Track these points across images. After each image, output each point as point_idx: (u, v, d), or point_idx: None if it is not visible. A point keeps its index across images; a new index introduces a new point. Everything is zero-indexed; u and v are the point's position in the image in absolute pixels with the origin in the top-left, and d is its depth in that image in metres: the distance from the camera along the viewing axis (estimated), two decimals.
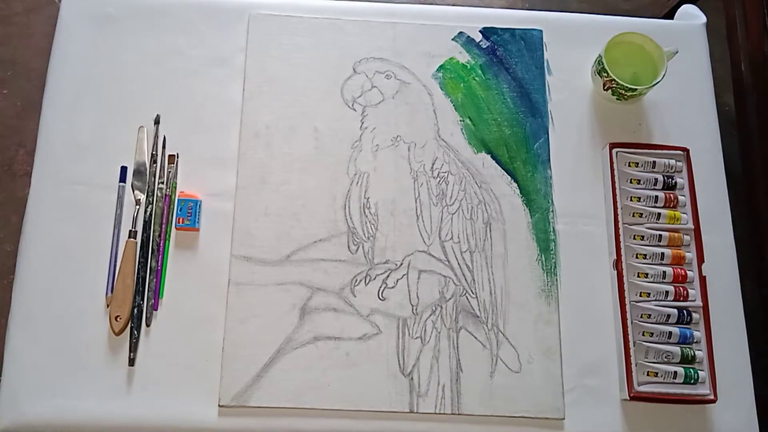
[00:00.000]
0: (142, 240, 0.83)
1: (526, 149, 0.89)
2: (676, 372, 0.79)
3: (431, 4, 1.51)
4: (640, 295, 0.83)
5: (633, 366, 0.79)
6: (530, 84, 0.92)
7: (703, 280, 0.84)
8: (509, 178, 0.88)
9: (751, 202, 1.08)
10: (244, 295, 0.81)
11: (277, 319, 0.81)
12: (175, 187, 0.86)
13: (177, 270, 0.83)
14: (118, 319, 0.79)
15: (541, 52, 0.94)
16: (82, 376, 0.78)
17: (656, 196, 0.86)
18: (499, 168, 0.88)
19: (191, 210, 0.83)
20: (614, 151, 0.87)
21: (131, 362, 0.79)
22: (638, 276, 0.83)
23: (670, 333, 0.81)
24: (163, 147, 0.87)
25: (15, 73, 1.47)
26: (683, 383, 0.79)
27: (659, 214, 0.85)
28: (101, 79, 0.89)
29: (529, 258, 0.85)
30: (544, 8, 1.22)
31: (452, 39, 0.93)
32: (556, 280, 0.84)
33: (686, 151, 0.88)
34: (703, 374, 0.80)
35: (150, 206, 0.84)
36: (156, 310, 0.81)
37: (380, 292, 0.82)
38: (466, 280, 0.83)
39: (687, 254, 0.84)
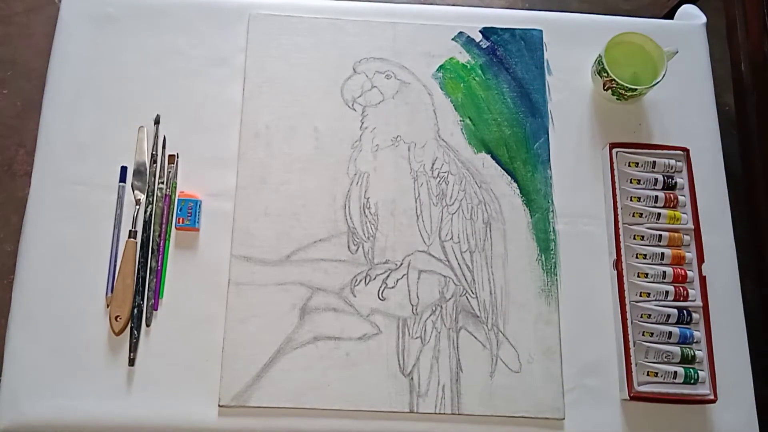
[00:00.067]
0: (142, 240, 0.83)
1: (526, 149, 0.89)
2: (676, 372, 0.79)
3: (431, 4, 1.51)
4: (640, 295, 0.83)
5: (633, 366, 0.79)
6: (530, 84, 0.92)
7: (703, 280, 0.84)
8: (509, 178, 0.88)
9: (751, 202, 1.09)
10: (244, 295, 0.81)
11: (277, 319, 0.81)
12: (175, 187, 0.86)
13: (177, 270, 0.83)
14: (118, 319, 0.79)
15: (541, 52, 0.94)
16: (82, 376, 0.78)
17: (656, 196, 0.86)
18: (499, 168, 0.88)
19: (191, 210, 0.83)
20: (614, 151, 0.87)
21: (131, 362, 0.79)
22: (638, 276, 0.83)
23: (670, 333, 0.81)
24: (163, 147, 0.87)
25: (15, 73, 1.47)
26: (683, 383, 0.79)
27: (659, 214, 0.85)
28: (101, 79, 0.89)
29: (529, 258, 0.85)
30: (544, 8, 1.22)
31: (452, 39, 0.93)
32: (556, 280, 0.84)
33: (686, 151, 0.88)
34: (703, 374, 0.80)
35: (150, 206, 0.84)
36: (156, 310, 0.81)
37: (380, 292, 0.82)
38: (466, 280, 0.84)
39: (687, 254, 0.84)
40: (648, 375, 0.80)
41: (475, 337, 0.82)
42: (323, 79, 0.90)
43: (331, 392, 0.79)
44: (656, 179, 0.87)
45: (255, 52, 0.91)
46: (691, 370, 0.80)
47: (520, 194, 0.87)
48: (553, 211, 0.87)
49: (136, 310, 0.80)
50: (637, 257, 0.84)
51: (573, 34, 0.95)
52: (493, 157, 0.89)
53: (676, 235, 0.85)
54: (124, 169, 0.86)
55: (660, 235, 0.84)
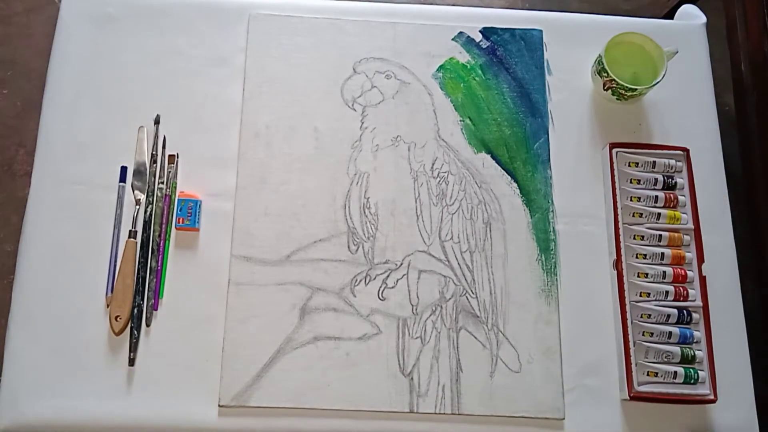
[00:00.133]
0: (142, 240, 0.83)
1: (526, 149, 0.89)
2: (676, 372, 0.79)
3: (431, 4, 1.51)
4: (640, 295, 0.83)
5: (633, 366, 0.79)
6: (530, 84, 0.92)
7: (703, 280, 0.84)
8: (509, 178, 0.88)
9: (751, 202, 1.08)
10: (244, 295, 0.81)
11: (277, 319, 0.81)
12: (175, 187, 0.86)
13: (177, 270, 0.83)
14: (118, 319, 0.79)
15: (541, 52, 0.94)
16: (82, 376, 0.78)
17: (656, 196, 0.86)
18: (499, 168, 0.88)
19: (191, 210, 0.83)
20: (614, 151, 0.87)
21: (131, 362, 0.79)
22: (638, 276, 0.83)
23: (670, 333, 0.81)
24: (163, 147, 0.87)
25: (15, 73, 1.47)
26: (683, 383, 0.79)
27: (659, 214, 0.85)
28: (101, 79, 0.89)
29: (529, 258, 0.85)
30: (544, 8, 1.22)
31: (452, 39, 0.93)
32: (556, 280, 0.84)
33: (686, 151, 0.88)
34: (703, 374, 0.80)
35: (150, 206, 0.84)
36: (156, 310, 0.81)
37: (380, 292, 0.82)
38: (466, 280, 0.84)
39: (687, 254, 0.84)
40: (648, 375, 0.80)
41: (475, 337, 0.82)
42: (323, 79, 0.90)
43: (331, 392, 0.79)
44: (656, 179, 0.87)
45: (255, 52, 0.91)
46: (691, 370, 0.80)
47: (520, 194, 0.87)
48: (553, 211, 0.87)
49: (136, 310, 0.80)
50: (637, 257, 0.84)
51: (573, 34, 0.95)
52: (493, 157, 0.89)
53: (676, 235, 0.85)
54: (124, 169, 0.86)
55: (660, 235, 0.84)
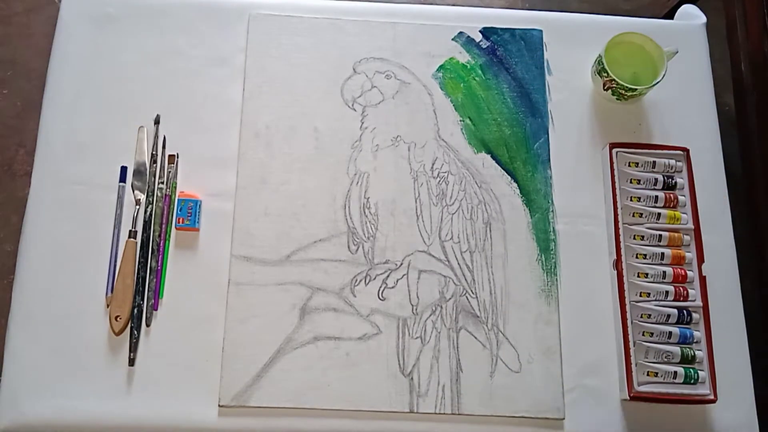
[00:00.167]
0: (142, 240, 0.83)
1: (526, 149, 0.89)
2: (676, 372, 0.79)
3: (431, 4, 1.51)
4: (640, 295, 0.83)
5: (633, 366, 0.79)
6: (530, 84, 0.92)
7: (703, 280, 0.84)
8: (509, 178, 0.88)
9: (751, 202, 1.08)
10: (244, 295, 0.81)
11: (277, 319, 0.81)
12: (175, 187, 0.86)
13: (177, 270, 0.83)
14: (118, 319, 0.79)
15: (541, 52, 0.94)
16: (82, 376, 0.78)
17: (656, 196, 0.86)
18: (499, 168, 0.88)
19: (191, 210, 0.83)
20: (614, 151, 0.87)
21: (131, 362, 0.79)
22: (638, 276, 0.83)
23: (670, 333, 0.81)
24: (163, 147, 0.87)
25: (15, 73, 1.47)
26: (683, 383, 0.79)
27: (659, 214, 0.85)
28: (101, 79, 0.89)
29: (529, 258, 0.85)
30: (544, 8, 1.22)
31: (452, 39, 0.93)
32: (556, 280, 0.84)
33: (686, 151, 0.88)
34: (703, 374, 0.80)
35: (150, 206, 0.84)
36: (156, 310, 0.81)
37: (380, 292, 0.82)
38: (466, 280, 0.83)
39: (687, 254, 0.84)
40: (648, 375, 0.80)
41: (475, 337, 0.82)
42: (323, 79, 0.90)
43: (331, 392, 0.79)
44: (656, 179, 0.87)
45: (255, 52, 0.91)
46: (691, 370, 0.80)
47: (520, 194, 0.87)
48: (553, 211, 0.87)
49: (136, 310, 0.80)
50: (637, 257, 0.84)
51: (573, 34, 0.95)
52: (493, 157, 0.89)
53: (676, 235, 0.85)
54: (124, 169, 0.86)
55: (660, 235, 0.84)
